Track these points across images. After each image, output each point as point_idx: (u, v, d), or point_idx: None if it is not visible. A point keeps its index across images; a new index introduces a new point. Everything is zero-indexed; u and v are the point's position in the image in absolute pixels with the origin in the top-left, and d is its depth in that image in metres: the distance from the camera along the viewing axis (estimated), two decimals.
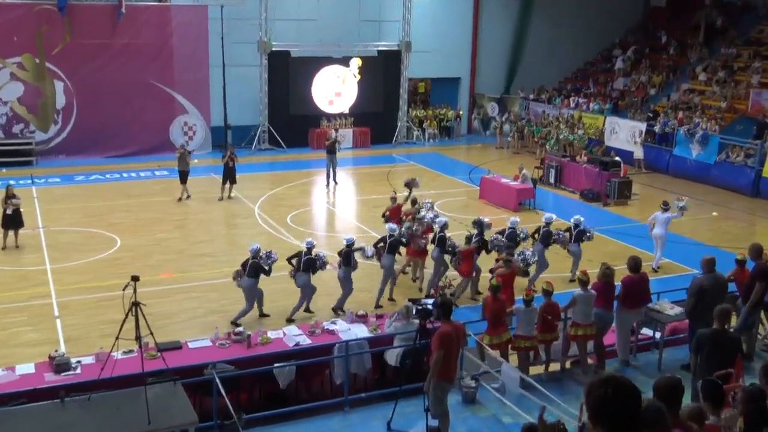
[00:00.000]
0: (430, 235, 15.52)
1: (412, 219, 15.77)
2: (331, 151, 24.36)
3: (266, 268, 13.49)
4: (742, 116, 27.93)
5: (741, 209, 23.35)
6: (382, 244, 14.67)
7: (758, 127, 26.05)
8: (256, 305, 13.82)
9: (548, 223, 15.61)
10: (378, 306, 14.35)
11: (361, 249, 14.54)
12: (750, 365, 10.51)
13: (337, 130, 26.40)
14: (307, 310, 14.05)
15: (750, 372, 9.92)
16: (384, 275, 14.68)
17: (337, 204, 23.19)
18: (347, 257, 14.04)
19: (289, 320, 12.78)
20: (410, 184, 18.07)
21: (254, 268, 13.43)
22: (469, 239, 14.84)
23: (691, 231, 19.51)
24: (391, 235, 14.68)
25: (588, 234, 15.66)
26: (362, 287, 14.99)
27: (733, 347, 8.43)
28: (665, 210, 16.99)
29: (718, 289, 10.46)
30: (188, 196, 22.49)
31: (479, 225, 15.24)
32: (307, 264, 13.77)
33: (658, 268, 16.62)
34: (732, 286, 11.33)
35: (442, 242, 14.87)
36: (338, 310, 13.91)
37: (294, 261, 13.94)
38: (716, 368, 7.72)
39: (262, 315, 13.98)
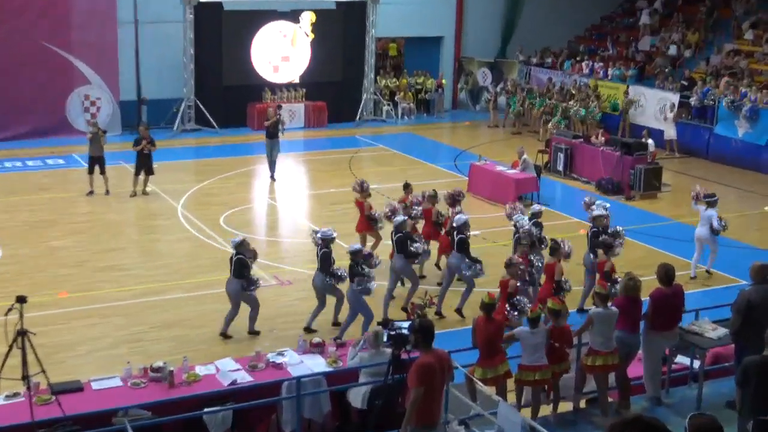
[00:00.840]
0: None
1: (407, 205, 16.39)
2: (272, 134, 24.14)
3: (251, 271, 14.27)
4: None
5: None
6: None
7: None
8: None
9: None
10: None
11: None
12: None
13: (279, 108, 26.20)
14: (334, 323, 14.66)
15: None
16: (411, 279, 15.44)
17: (284, 200, 23.13)
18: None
19: (338, 340, 12.51)
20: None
21: (240, 264, 14.09)
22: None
23: (736, 231, 19.73)
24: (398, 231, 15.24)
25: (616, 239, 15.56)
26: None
27: None
28: (711, 204, 17.15)
29: None
30: (107, 192, 22.45)
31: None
32: (351, 273, 14.07)
33: (704, 274, 16.73)
34: None
35: (462, 246, 15.06)
36: (408, 306, 14.27)
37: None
38: None
39: (252, 332, 14.45)
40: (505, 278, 13.96)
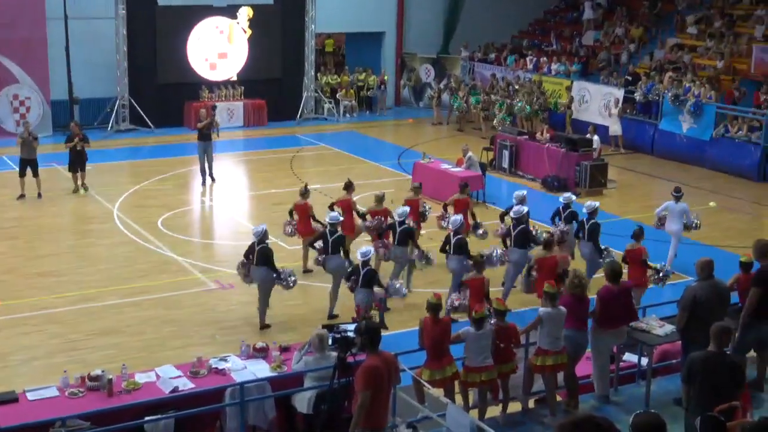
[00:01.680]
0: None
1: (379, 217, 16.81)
2: (205, 136, 23.59)
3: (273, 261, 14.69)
4: (743, 79, 28.90)
5: (745, 197, 24.20)
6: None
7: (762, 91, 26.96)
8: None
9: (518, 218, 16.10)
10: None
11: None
12: (760, 396, 10.87)
13: (213, 108, 25.93)
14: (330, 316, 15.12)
15: (761, 404, 10.29)
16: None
17: (224, 202, 23.02)
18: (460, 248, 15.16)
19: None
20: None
21: (263, 254, 14.55)
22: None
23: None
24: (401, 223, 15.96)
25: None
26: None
27: (733, 374, 8.73)
28: (679, 198, 17.68)
29: (716, 301, 10.76)
30: (39, 195, 22.17)
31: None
32: (367, 279, 14.20)
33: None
34: (736, 297, 11.70)
35: (459, 249, 15.24)
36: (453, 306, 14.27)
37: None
38: (714, 400, 7.97)
39: (264, 326, 14.84)
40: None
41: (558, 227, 16.62)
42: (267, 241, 14.87)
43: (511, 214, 16.20)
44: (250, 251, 14.84)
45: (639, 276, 15.03)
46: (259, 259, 14.66)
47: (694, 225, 17.76)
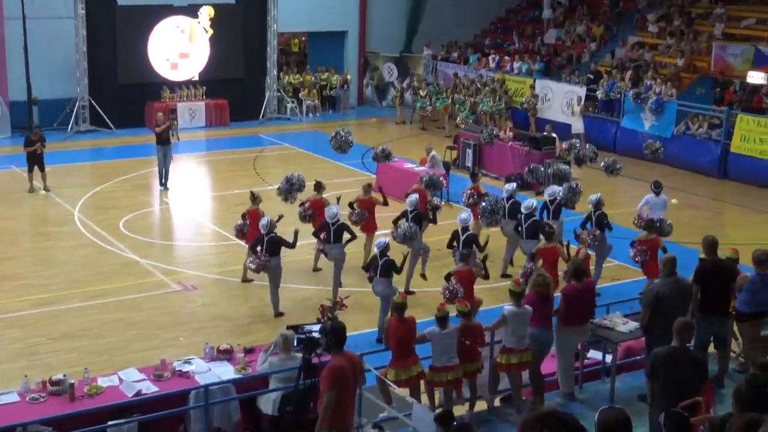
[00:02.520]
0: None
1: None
2: (164, 140, 23.04)
3: (289, 241, 15.19)
4: (702, 77, 29.23)
5: (706, 194, 24.46)
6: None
7: (720, 89, 27.29)
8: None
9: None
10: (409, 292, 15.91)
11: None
12: (721, 392, 11.00)
13: (172, 112, 25.58)
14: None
15: (723, 400, 10.40)
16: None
17: (186, 203, 22.90)
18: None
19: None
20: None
21: (273, 243, 15.02)
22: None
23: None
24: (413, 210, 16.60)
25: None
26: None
27: (697, 369, 8.84)
28: (658, 192, 18.08)
29: (679, 297, 10.89)
30: None
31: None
32: (386, 268, 14.39)
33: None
34: None
35: (468, 244, 15.36)
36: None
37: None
38: (677, 396, 8.06)
39: (278, 314, 15.37)
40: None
41: (590, 232, 16.48)
42: (274, 231, 15.20)
43: (522, 209, 16.80)
44: (256, 243, 15.28)
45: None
46: (269, 249, 15.04)
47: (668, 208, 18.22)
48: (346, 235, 15.85)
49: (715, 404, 9.83)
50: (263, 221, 15.24)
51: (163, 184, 23.43)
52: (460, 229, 15.73)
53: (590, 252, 15.80)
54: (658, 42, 31.71)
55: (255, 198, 16.89)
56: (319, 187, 17.60)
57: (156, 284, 16.99)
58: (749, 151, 25.10)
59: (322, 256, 16.62)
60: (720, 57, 29.07)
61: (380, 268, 14.39)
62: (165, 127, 23.10)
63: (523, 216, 16.72)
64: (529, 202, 17.09)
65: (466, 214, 16.44)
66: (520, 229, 16.73)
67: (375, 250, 14.77)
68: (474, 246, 15.30)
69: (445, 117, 31.67)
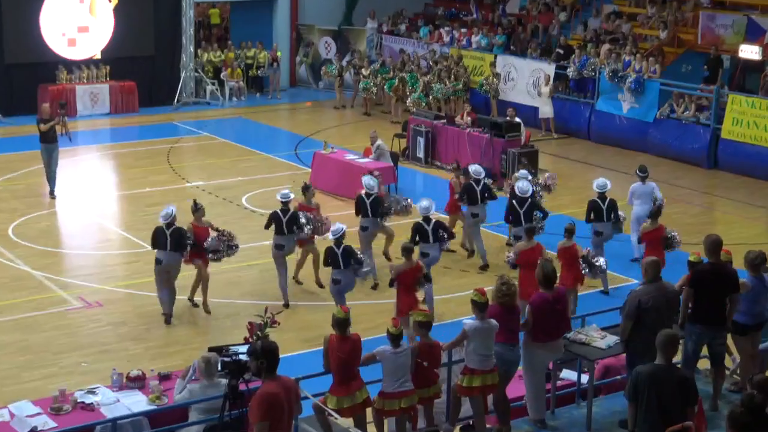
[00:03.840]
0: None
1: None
2: (50, 138, 22.24)
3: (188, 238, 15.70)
4: (688, 51, 29.54)
5: (694, 187, 24.73)
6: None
7: (709, 65, 27.55)
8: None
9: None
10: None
11: None
12: (716, 414, 11.11)
13: (62, 107, 25.00)
14: None
15: (717, 424, 10.52)
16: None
17: (88, 204, 22.65)
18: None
19: None
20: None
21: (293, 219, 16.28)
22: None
23: (625, 222, 20.41)
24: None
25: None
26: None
27: (684, 390, 8.92)
28: (644, 178, 18.54)
29: (665, 306, 10.95)
30: None
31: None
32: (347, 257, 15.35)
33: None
34: None
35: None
36: None
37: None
38: (663, 421, 8.11)
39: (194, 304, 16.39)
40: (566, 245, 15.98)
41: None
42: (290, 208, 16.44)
43: (517, 192, 17.77)
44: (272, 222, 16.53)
45: (574, 277, 15.77)
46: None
47: (658, 202, 18.33)
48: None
49: (707, 430, 9.94)
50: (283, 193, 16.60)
51: (52, 190, 22.63)
52: (422, 220, 16.23)
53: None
54: (638, 11, 32.02)
55: (198, 208, 16.37)
56: (306, 189, 17.82)
57: (53, 300, 16.84)
58: (742, 137, 25.40)
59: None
60: (708, 28, 29.38)
61: (341, 258, 14.85)
62: (52, 124, 22.36)
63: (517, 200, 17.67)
64: (524, 187, 17.85)
65: (426, 201, 16.81)
66: (511, 217, 17.67)
67: (330, 237, 15.30)
68: (444, 232, 16.49)
69: (392, 100, 31.68)
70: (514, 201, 17.84)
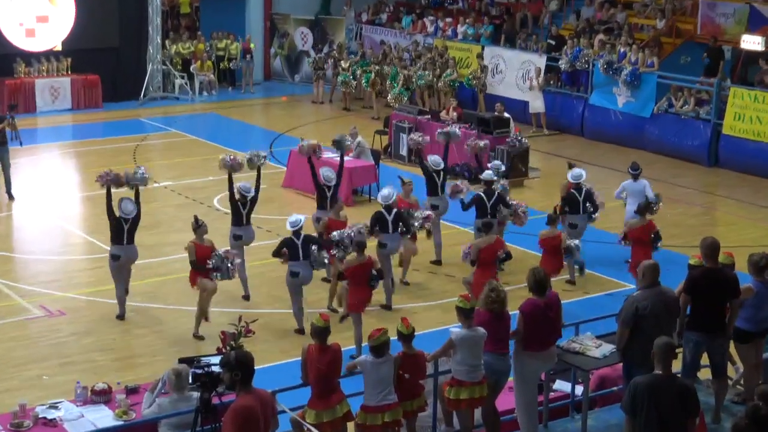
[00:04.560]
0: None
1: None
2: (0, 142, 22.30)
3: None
4: (687, 42, 29.63)
5: (694, 186, 24.84)
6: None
7: (710, 56, 27.64)
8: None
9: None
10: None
11: None
12: (719, 427, 11.16)
13: (11, 108, 24.74)
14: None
15: None
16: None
17: (48, 206, 22.58)
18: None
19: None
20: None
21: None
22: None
23: (620, 223, 20.46)
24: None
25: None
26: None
27: (685, 401, 8.96)
28: (637, 175, 18.73)
29: (663, 312, 10.96)
30: None
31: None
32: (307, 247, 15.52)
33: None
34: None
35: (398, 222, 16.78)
36: None
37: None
38: None
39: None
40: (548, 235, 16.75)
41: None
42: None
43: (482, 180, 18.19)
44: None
45: (552, 267, 16.26)
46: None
47: (655, 203, 18.40)
48: None
49: None
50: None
51: (8, 192, 22.64)
52: (383, 208, 16.56)
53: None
54: (634, 0, 32.08)
55: (199, 226, 15.87)
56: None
57: (12, 309, 16.77)
58: (744, 133, 25.53)
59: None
60: (708, 18, 29.44)
61: (301, 249, 15.09)
62: (1, 127, 22.30)
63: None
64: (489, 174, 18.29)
65: (387, 190, 17.18)
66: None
67: (288, 228, 15.48)
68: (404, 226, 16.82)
69: (372, 95, 31.69)
70: (481, 192, 18.00)
